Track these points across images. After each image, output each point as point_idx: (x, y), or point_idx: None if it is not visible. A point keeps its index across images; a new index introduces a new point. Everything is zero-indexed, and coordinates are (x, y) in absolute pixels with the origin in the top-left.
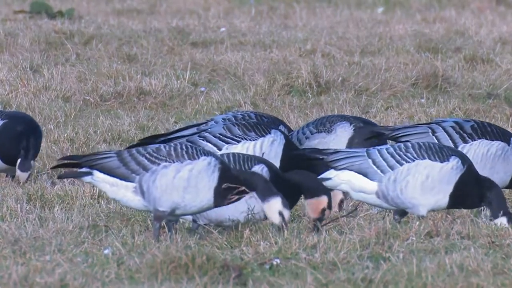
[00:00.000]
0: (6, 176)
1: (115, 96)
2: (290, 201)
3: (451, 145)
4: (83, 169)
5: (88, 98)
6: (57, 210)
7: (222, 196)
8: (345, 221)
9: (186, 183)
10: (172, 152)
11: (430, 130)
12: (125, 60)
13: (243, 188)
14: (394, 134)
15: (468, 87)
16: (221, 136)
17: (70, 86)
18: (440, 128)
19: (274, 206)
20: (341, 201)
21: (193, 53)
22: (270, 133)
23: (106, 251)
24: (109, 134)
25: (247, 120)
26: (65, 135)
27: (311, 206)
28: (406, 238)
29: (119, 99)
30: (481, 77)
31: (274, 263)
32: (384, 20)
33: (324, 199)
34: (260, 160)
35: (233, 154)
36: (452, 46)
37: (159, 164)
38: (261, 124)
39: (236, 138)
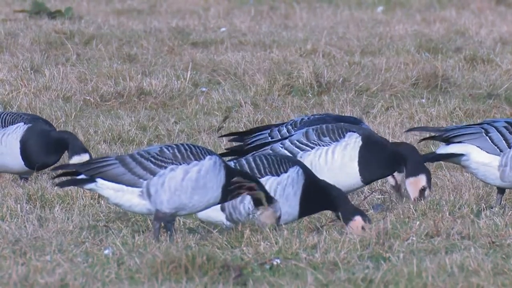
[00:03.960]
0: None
1: (116, 96)
2: (315, 208)
3: (505, 145)
4: (85, 176)
5: (88, 98)
6: (57, 210)
7: (227, 194)
8: None
9: (194, 184)
10: (177, 154)
11: (483, 131)
12: (125, 60)
13: (249, 185)
14: (447, 135)
15: (468, 87)
16: (297, 143)
17: (71, 86)
18: (493, 128)
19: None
20: (423, 188)
21: (193, 53)
22: (344, 137)
23: (106, 251)
24: (109, 134)
25: (326, 123)
26: None
27: (353, 229)
28: (406, 238)
29: (120, 99)
30: (481, 77)
31: (275, 263)
32: (384, 20)
33: (357, 220)
34: (295, 162)
35: (266, 157)
36: (452, 46)
37: (166, 167)
38: (339, 128)
39: (310, 145)
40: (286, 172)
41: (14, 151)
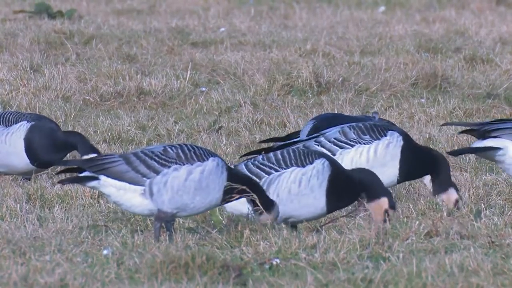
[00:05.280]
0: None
1: (115, 96)
2: (349, 198)
3: None
4: (88, 174)
5: (88, 98)
6: (57, 210)
7: (227, 196)
8: (344, 221)
9: (197, 185)
10: (181, 154)
11: None
12: (125, 60)
13: (240, 188)
14: (484, 128)
15: (468, 87)
16: (335, 141)
17: (70, 86)
18: None
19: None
20: (456, 201)
21: (193, 53)
22: (385, 135)
23: (105, 251)
24: (109, 134)
25: (364, 123)
26: None
27: (372, 209)
28: (406, 238)
29: (119, 99)
30: (481, 77)
31: (274, 263)
32: (384, 20)
33: (383, 200)
34: (322, 155)
35: (294, 150)
36: (452, 46)
37: (169, 166)
38: (378, 126)
39: (350, 143)
40: (311, 163)
41: (19, 150)
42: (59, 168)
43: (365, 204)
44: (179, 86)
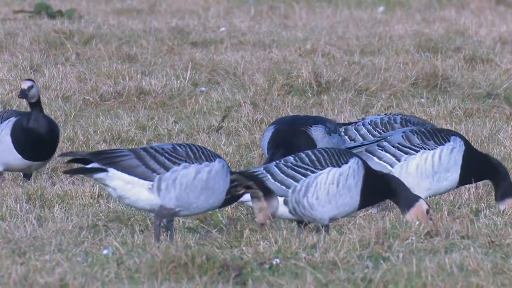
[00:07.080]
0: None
1: (115, 96)
2: (375, 198)
3: None
4: (95, 165)
5: (88, 97)
6: (57, 209)
7: (230, 199)
8: (345, 221)
9: (204, 184)
10: (190, 153)
11: None
12: (125, 59)
13: (246, 183)
14: None
15: (468, 86)
16: (399, 146)
17: (70, 85)
18: None
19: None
20: None
21: (193, 53)
22: (449, 140)
23: (105, 251)
24: (109, 134)
25: (426, 127)
26: (65, 135)
27: (414, 216)
28: (406, 238)
29: (119, 99)
30: (481, 77)
31: (274, 262)
32: (384, 20)
33: (421, 203)
34: (354, 154)
35: (325, 149)
36: (452, 46)
37: (179, 164)
38: (440, 132)
39: (414, 148)
40: (347, 163)
41: (9, 146)
42: (66, 159)
43: (404, 216)
44: (179, 86)
